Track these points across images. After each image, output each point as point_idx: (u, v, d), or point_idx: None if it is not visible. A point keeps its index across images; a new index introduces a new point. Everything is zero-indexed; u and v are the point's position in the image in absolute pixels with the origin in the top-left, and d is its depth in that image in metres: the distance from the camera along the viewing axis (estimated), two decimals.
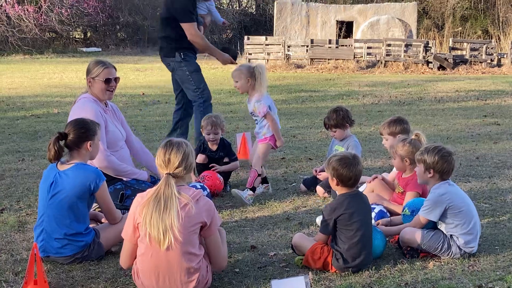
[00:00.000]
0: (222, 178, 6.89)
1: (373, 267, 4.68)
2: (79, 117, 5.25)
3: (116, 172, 5.91)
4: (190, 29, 8.16)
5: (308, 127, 11.39)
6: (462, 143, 9.65)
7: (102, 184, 4.89)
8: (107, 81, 5.99)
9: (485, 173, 7.67)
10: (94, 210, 5.53)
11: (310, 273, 4.55)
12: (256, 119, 6.86)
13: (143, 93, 16.54)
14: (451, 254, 4.91)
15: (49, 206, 4.83)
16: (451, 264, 4.78)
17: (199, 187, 6.22)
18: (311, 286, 4.30)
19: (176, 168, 4.19)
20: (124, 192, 5.91)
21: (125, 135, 6.32)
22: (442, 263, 4.81)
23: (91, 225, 5.11)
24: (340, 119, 6.76)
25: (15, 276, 4.57)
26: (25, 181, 7.34)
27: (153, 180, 6.17)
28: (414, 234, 4.94)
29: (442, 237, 4.94)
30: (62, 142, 4.90)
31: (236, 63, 8.55)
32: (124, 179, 5.99)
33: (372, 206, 5.42)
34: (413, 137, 5.87)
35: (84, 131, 4.96)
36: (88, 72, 6.04)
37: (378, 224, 5.29)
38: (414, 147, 5.64)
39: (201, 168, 7.08)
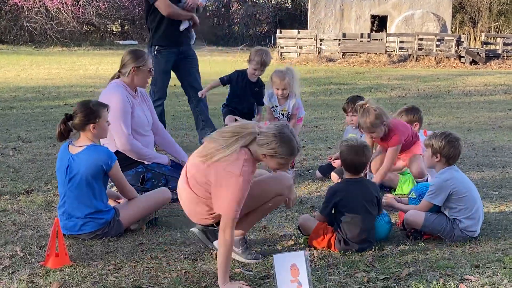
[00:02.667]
0: None
1: (376, 247, 4.92)
2: (86, 100, 5.52)
3: (138, 155, 6.20)
4: (162, 6, 8.16)
5: (332, 118, 11.62)
6: (482, 135, 9.80)
7: (114, 164, 5.16)
8: (151, 70, 6.30)
9: (500, 163, 7.84)
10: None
11: (307, 249, 4.83)
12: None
13: (175, 85, 16.85)
14: (454, 237, 5.12)
15: (69, 189, 5.12)
16: (452, 246, 4.99)
17: None
18: (311, 261, 4.55)
19: None
20: (145, 175, 6.20)
21: (151, 122, 6.58)
22: (444, 245, 5.02)
23: (111, 204, 5.42)
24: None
25: (39, 249, 4.89)
26: (54, 164, 7.59)
27: (173, 164, 6.46)
28: (418, 216, 5.16)
29: (445, 220, 5.15)
30: (70, 123, 5.16)
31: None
32: (146, 162, 6.28)
33: None
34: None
35: (86, 114, 5.16)
36: (134, 60, 6.24)
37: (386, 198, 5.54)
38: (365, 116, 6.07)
39: None
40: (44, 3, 29.76)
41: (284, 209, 5.95)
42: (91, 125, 5.16)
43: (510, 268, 4.49)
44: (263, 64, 7.33)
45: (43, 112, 12.05)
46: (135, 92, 6.39)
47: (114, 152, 5.61)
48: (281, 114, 7.33)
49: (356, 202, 4.88)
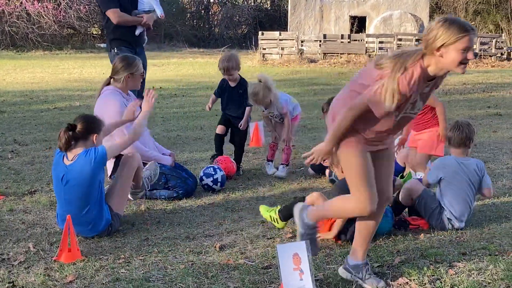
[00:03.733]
0: (235, 162, 7.49)
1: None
2: (88, 114, 5.74)
3: (143, 157, 6.46)
4: (111, 15, 8.57)
5: (318, 117, 11.93)
6: None
7: (104, 152, 5.28)
8: (142, 74, 6.60)
9: (481, 158, 8.16)
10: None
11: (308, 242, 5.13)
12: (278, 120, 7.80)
13: (161, 87, 17.13)
14: (439, 223, 5.45)
15: (65, 200, 5.29)
16: (441, 236, 5.32)
17: (216, 167, 6.85)
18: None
19: None
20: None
21: None
22: (432, 234, 5.35)
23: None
24: None
25: (50, 245, 5.15)
26: None
27: (177, 165, 6.79)
28: (418, 186, 5.59)
29: (437, 202, 5.51)
30: (70, 133, 5.27)
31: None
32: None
33: None
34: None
35: (92, 123, 5.38)
36: (127, 67, 6.52)
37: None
38: None
39: (219, 139, 7.82)
40: (25, 7, 29.84)
41: (281, 204, 6.25)
42: (95, 135, 5.34)
43: (495, 255, 4.82)
44: (228, 69, 7.60)
45: (34, 115, 12.26)
46: (127, 95, 6.67)
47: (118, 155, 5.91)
48: (271, 116, 7.71)
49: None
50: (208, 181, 6.82)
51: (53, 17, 30.04)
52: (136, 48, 8.68)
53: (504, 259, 4.73)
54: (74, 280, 4.45)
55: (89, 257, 4.88)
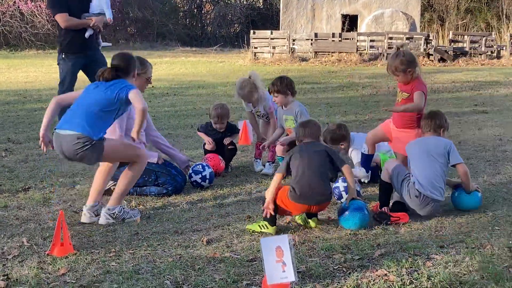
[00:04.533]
0: (223, 160, 7.68)
1: (352, 232, 5.44)
2: (126, 53, 6.16)
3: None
4: (59, 20, 9.00)
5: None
6: (449, 130, 10.33)
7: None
8: (148, 79, 6.79)
9: (464, 155, 8.39)
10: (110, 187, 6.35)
11: (290, 235, 5.35)
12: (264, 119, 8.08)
13: (153, 86, 17.28)
14: (408, 191, 5.85)
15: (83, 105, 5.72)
16: (420, 230, 5.52)
17: (205, 165, 7.05)
18: (294, 245, 5.05)
19: None
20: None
21: None
22: (412, 229, 5.56)
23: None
24: (284, 86, 7.35)
25: (44, 240, 5.33)
26: (47, 164, 8.14)
27: (167, 163, 7.03)
28: (393, 162, 6.17)
29: (407, 173, 5.98)
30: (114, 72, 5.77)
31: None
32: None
33: None
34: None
35: (133, 59, 5.98)
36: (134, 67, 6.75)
37: None
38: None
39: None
40: (19, 7, 29.96)
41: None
42: (136, 71, 6.00)
43: (472, 248, 5.02)
44: (221, 117, 7.86)
45: (27, 114, 12.43)
46: None
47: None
48: (257, 115, 7.93)
49: (300, 160, 5.62)
50: (197, 178, 7.02)
51: (46, 17, 30.14)
52: (87, 52, 8.88)
53: (480, 251, 4.93)
54: (66, 272, 4.63)
55: (81, 251, 5.06)
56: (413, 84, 6.31)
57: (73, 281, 4.47)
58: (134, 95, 5.58)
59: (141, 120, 5.59)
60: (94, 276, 4.56)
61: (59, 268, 4.70)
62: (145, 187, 6.69)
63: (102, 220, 5.82)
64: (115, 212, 5.86)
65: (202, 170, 7.05)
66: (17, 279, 4.51)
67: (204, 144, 7.89)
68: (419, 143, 6.11)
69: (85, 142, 5.53)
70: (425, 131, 6.17)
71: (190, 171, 7.09)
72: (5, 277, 4.54)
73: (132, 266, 4.74)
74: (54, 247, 5.01)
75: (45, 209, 6.25)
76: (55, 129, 5.71)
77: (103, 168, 6.01)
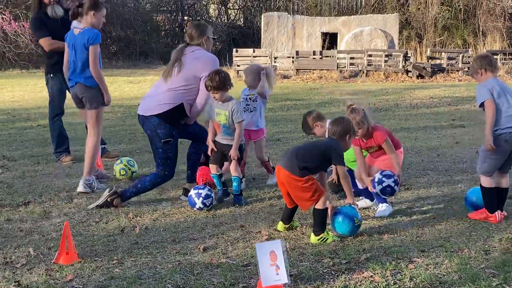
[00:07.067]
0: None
1: (339, 239, 5.82)
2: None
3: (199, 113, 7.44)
4: (43, 44, 9.54)
5: (292, 131, 12.53)
6: (428, 143, 10.84)
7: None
8: (215, 37, 7.68)
9: (443, 167, 8.83)
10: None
11: (283, 240, 5.71)
12: (249, 107, 8.13)
13: (139, 104, 17.58)
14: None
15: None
16: (403, 236, 5.90)
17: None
18: (287, 250, 5.42)
19: None
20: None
21: None
22: (395, 235, 5.94)
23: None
24: (221, 82, 6.99)
25: (49, 250, 5.65)
26: (44, 180, 8.46)
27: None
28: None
29: None
30: None
31: None
32: None
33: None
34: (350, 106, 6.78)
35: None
36: (203, 32, 7.34)
37: None
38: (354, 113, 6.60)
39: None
40: (2, 27, 30.16)
41: (257, 210, 6.85)
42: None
43: (451, 252, 5.41)
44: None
45: (19, 133, 12.73)
46: None
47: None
48: (245, 96, 8.23)
49: None
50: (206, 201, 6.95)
51: (29, 36, 30.32)
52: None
53: (458, 255, 5.32)
54: (74, 278, 4.96)
55: (85, 259, 5.38)
56: (374, 136, 6.70)
57: (80, 286, 4.80)
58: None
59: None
60: (100, 281, 4.89)
61: (66, 275, 5.02)
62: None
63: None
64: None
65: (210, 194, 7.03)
66: (27, 285, 4.82)
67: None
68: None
69: None
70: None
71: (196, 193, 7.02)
72: (17, 283, 4.85)
73: (135, 272, 5.07)
74: (60, 255, 5.34)
75: (47, 221, 6.56)
76: None
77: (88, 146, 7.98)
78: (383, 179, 6.53)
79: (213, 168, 7.28)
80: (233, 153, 7.09)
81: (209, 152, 7.36)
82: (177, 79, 7.11)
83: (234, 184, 7.14)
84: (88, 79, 7.94)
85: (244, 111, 7.91)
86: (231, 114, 7.08)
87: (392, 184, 6.52)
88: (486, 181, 6.35)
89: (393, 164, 6.65)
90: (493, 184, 6.37)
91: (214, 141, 7.27)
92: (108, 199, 7.04)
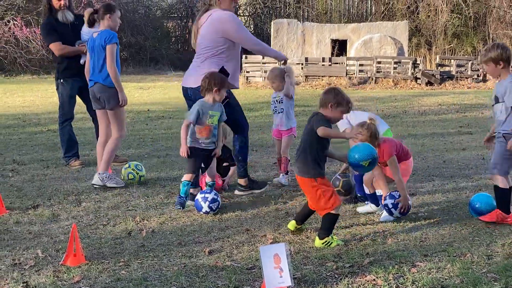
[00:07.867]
0: (220, 176, 8.14)
1: (343, 243, 5.88)
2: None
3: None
4: (53, 49, 9.69)
5: (299, 137, 12.57)
6: (434, 150, 10.88)
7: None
8: None
9: (449, 173, 8.88)
10: None
11: (287, 244, 5.78)
12: (277, 109, 8.44)
13: (148, 110, 17.76)
14: None
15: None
16: (406, 240, 5.96)
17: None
18: (291, 253, 5.49)
19: None
20: None
21: None
22: (399, 239, 5.99)
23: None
24: (218, 82, 7.23)
25: (57, 252, 5.73)
26: (53, 183, 8.56)
27: None
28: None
29: None
30: None
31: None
32: None
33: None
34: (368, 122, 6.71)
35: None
36: None
37: None
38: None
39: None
40: (14, 32, 30.40)
41: (263, 214, 6.93)
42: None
43: (454, 256, 5.46)
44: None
45: (29, 137, 12.87)
46: None
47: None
48: (274, 99, 8.54)
49: None
50: (212, 205, 7.03)
51: (40, 42, 30.57)
52: (83, 77, 9.36)
53: (461, 259, 5.36)
54: (81, 280, 5.03)
55: (92, 261, 5.46)
56: (382, 151, 6.66)
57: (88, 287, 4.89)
58: None
59: None
60: (106, 283, 4.97)
61: (73, 276, 5.10)
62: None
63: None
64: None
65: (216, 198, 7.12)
66: (35, 286, 4.90)
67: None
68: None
69: None
70: None
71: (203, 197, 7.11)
72: (25, 284, 4.93)
73: (141, 274, 5.14)
74: (68, 257, 5.42)
75: (55, 224, 6.65)
76: None
77: (101, 140, 8.48)
78: (387, 197, 6.66)
79: (188, 177, 7.33)
80: (218, 150, 7.54)
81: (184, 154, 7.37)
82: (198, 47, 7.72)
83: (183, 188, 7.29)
84: (106, 79, 8.25)
85: (273, 113, 8.55)
86: (221, 114, 7.43)
87: (390, 206, 6.62)
88: (502, 182, 6.40)
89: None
90: (508, 185, 6.42)
91: (195, 148, 7.34)
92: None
